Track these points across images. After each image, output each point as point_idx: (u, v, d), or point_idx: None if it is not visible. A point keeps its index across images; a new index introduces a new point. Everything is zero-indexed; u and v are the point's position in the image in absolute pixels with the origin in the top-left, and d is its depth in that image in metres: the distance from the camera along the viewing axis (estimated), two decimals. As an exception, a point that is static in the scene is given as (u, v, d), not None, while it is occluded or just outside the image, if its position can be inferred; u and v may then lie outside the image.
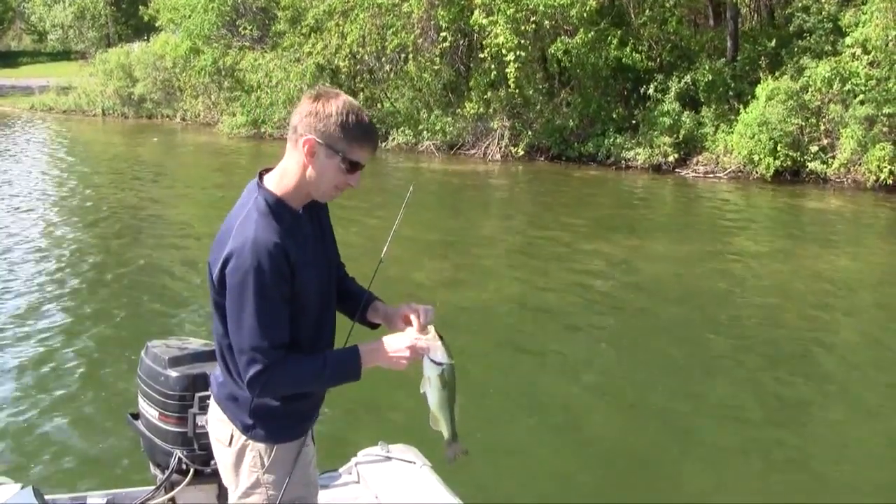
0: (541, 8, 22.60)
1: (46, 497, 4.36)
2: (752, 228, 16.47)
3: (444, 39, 25.03)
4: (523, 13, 23.02)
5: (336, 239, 3.33)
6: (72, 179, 22.80)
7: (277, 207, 2.99)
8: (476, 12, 23.69)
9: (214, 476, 4.12)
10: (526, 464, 6.96)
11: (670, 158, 21.94)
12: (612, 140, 23.00)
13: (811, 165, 19.92)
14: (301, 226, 3.05)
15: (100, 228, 16.28)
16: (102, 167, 25.25)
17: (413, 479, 4.64)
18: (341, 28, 27.27)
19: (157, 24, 38.46)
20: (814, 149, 20.00)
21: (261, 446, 3.12)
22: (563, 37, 23.75)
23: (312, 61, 27.77)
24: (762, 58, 22.22)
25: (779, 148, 19.92)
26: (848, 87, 19.26)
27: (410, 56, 26.47)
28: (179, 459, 4.20)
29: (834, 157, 19.73)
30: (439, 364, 3.06)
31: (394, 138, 26.56)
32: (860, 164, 19.29)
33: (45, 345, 9.50)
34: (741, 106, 21.27)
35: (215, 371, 3.24)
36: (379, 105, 28.07)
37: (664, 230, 16.64)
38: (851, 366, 9.40)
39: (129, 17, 56.52)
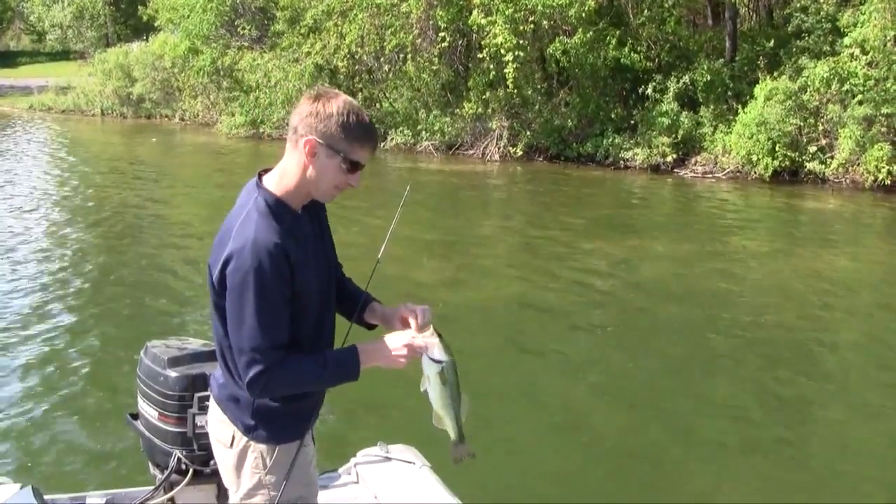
0: (539, 8, 22.60)
1: (46, 497, 4.36)
2: (750, 228, 16.48)
3: (443, 39, 25.03)
4: (522, 13, 23.02)
5: (334, 239, 3.33)
6: (72, 179, 22.79)
7: (277, 208, 2.99)
8: (475, 12, 23.69)
9: (214, 476, 4.13)
10: (526, 464, 6.97)
11: (669, 158, 21.95)
12: (610, 140, 23.01)
13: (809, 166, 19.92)
14: (301, 226, 3.05)
15: (100, 228, 16.28)
16: (102, 167, 25.24)
17: (412, 479, 4.64)
18: (340, 28, 27.26)
19: (155, 24, 38.42)
20: (812, 149, 20.01)
21: (262, 447, 3.12)
22: (561, 37, 23.75)
23: (311, 61, 27.76)
24: (761, 58, 22.21)
25: (777, 148, 19.93)
26: (846, 87, 19.26)
27: (409, 56, 26.46)
28: (179, 459, 4.21)
29: (832, 158, 19.74)
30: (438, 362, 3.06)
31: (392, 138, 26.56)
32: (858, 164, 19.30)
33: (45, 345, 9.50)
34: (740, 106, 21.28)
35: (215, 372, 3.24)
36: (377, 105, 28.06)
37: (663, 230, 16.65)
38: (851, 365, 9.42)
39: (128, 16, 56.50)
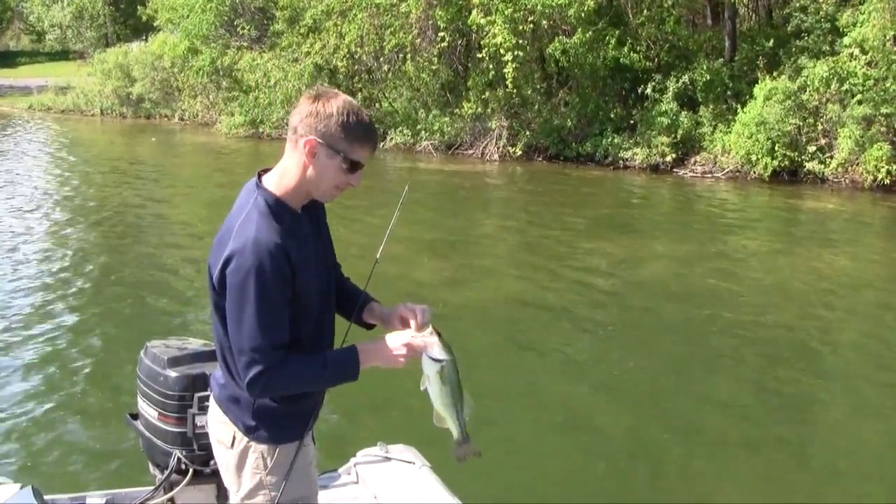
0: (539, 8, 22.61)
1: (46, 497, 4.36)
2: (750, 228, 16.48)
3: (442, 39, 25.04)
4: (521, 13, 23.02)
5: (333, 239, 3.33)
6: (72, 179, 22.79)
7: (277, 208, 2.99)
8: (474, 12, 23.69)
9: (214, 476, 4.14)
10: (527, 463, 6.96)
11: (668, 158, 21.96)
12: (609, 140, 23.01)
13: (809, 165, 19.93)
14: (301, 225, 3.06)
15: (101, 228, 16.28)
16: (102, 167, 25.22)
17: (412, 479, 4.64)
18: (339, 28, 27.27)
19: (155, 24, 38.41)
20: (811, 149, 20.01)
21: (263, 448, 3.12)
22: (561, 37, 23.74)
23: (310, 61, 27.76)
24: (760, 58, 22.21)
25: (776, 148, 19.93)
26: (846, 86, 19.27)
27: (408, 56, 26.45)
28: (179, 459, 4.21)
29: (832, 157, 19.75)
30: (438, 361, 3.05)
31: (392, 138, 26.56)
32: (858, 164, 19.30)
33: (45, 344, 9.49)
34: (739, 106, 21.28)
35: (216, 372, 3.24)
36: (377, 105, 28.07)
37: (663, 230, 16.65)
38: (852, 364, 9.42)
39: (128, 16, 56.49)
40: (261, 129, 29.81)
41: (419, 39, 26.16)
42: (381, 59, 28.08)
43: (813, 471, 7.05)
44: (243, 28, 31.91)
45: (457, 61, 27.19)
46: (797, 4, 22.37)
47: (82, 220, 17.06)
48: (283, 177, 3.04)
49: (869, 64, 19.32)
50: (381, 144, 25.77)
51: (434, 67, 26.39)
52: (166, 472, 4.25)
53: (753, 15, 26.93)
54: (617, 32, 23.64)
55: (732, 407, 8.19)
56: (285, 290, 2.92)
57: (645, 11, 24.64)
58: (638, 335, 10.33)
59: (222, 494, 4.26)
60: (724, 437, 7.59)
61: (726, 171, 21.15)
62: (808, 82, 19.69)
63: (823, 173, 19.83)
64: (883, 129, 18.98)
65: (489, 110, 24.97)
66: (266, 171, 3.12)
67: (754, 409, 8.19)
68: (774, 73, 20.91)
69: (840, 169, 19.55)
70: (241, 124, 30.46)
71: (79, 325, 10.28)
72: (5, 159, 26.82)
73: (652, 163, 22.10)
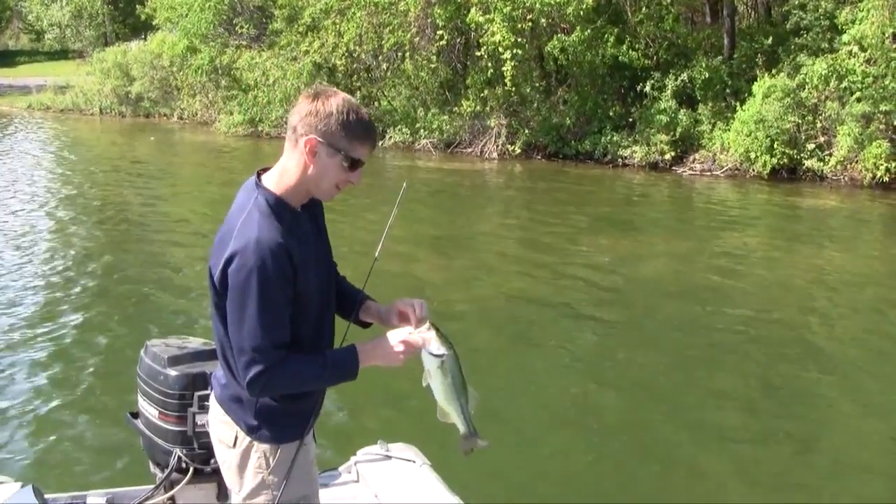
0: (537, 6, 22.61)
1: (46, 496, 4.36)
2: (749, 226, 16.48)
3: (441, 38, 25.02)
4: (520, 11, 23.02)
5: (331, 237, 3.33)
6: (74, 178, 22.78)
7: (278, 207, 2.99)
8: (472, 10, 23.69)
9: (214, 475, 4.14)
10: (528, 462, 6.94)
11: (667, 156, 21.97)
12: (608, 138, 23.02)
13: (808, 163, 19.95)
14: (301, 224, 3.05)
15: (102, 227, 16.28)
16: (103, 166, 25.20)
17: (413, 478, 4.64)
18: (338, 26, 27.27)
19: (154, 23, 38.41)
20: (810, 146, 20.03)
21: (265, 447, 3.12)
22: (559, 35, 23.74)
23: (309, 60, 27.76)
24: (759, 55, 22.24)
25: (775, 146, 19.94)
26: (845, 84, 19.27)
27: (407, 54, 26.46)
28: (179, 458, 4.21)
29: (831, 155, 19.76)
30: (438, 356, 3.04)
31: (391, 136, 26.56)
32: (857, 161, 19.32)
33: (45, 344, 9.49)
34: (738, 103, 21.30)
35: (217, 372, 3.24)
36: (376, 103, 28.05)
37: (662, 227, 16.67)
38: (854, 359, 9.43)
39: (127, 15, 56.49)
40: (260, 128, 29.81)
41: (418, 38, 26.17)
42: (380, 57, 28.09)
43: (818, 465, 7.06)
44: (242, 27, 31.91)
45: (455, 60, 27.19)
46: (796, 2, 22.39)
47: (84, 219, 17.06)
48: (283, 176, 3.03)
49: (868, 61, 19.33)
50: (380, 143, 25.76)
51: (433, 66, 26.38)
52: (167, 471, 4.25)
53: (752, 12, 26.95)
54: (616, 30, 23.65)
55: (737, 402, 8.21)
56: (287, 290, 2.92)
57: (644, 9, 24.66)
58: (640, 331, 10.34)
59: (223, 493, 4.26)
60: (730, 432, 7.58)
61: (725, 168, 21.16)
62: (807, 80, 19.69)
63: (822, 171, 19.85)
64: (882, 126, 18.98)
65: (488, 108, 24.97)
66: (265, 170, 3.12)
67: (759, 404, 8.21)
68: (773, 71, 20.92)
69: (839, 166, 19.56)
70: (240, 123, 30.47)
71: (78, 324, 10.27)
72: (8, 158, 26.82)
73: (651, 161, 22.11)
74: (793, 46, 21.58)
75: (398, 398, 7.58)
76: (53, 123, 38.28)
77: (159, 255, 13.81)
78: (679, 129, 21.99)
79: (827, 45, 20.74)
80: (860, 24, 19.23)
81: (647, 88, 22.87)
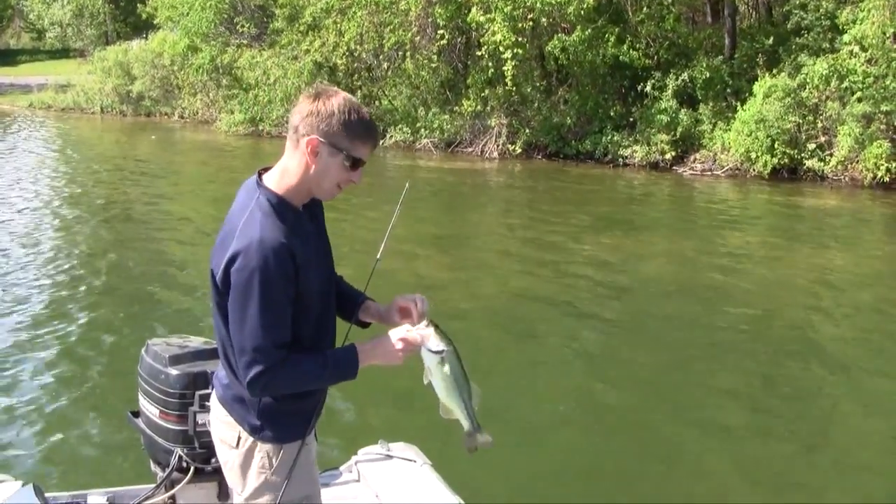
0: (538, 5, 22.62)
1: (47, 495, 4.35)
2: (750, 226, 16.48)
3: (442, 37, 25.04)
4: (521, 10, 23.04)
5: (332, 237, 3.33)
6: (75, 177, 22.81)
7: (280, 206, 2.98)
8: (473, 10, 23.70)
9: (215, 474, 4.14)
10: (530, 461, 6.94)
11: (668, 156, 21.97)
12: (609, 138, 23.02)
13: (808, 163, 19.95)
14: (303, 224, 3.05)
15: (105, 225, 16.29)
16: (105, 165, 25.22)
17: (413, 477, 4.64)
18: (339, 26, 27.28)
19: (155, 22, 38.43)
20: (811, 146, 20.03)
21: (269, 447, 3.12)
22: (560, 34, 23.76)
23: (310, 59, 27.78)
24: (760, 55, 22.24)
25: (776, 145, 19.95)
26: (845, 84, 19.28)
27: (408, 54, 26.48)
28: (180, 457, 4.20)
29: (831, 155, 19.76)
30: (437, 352, 3.03)
31: (391, 136, 26.57)
32: (857, 161, 19.32)
33: (46, 343, 9.49)
34: (739, 103, 21.30)
35: (219, 372, 3.23)
36: (377, 103, 28.07)
37: (663, 227, 16.67)
38: (854, 360, 9.43)
39: (128, 14, 56.48)
40: (260, 127, 29.83)
41: (419, 37, 26.19)
42: (381, 56, 28.11)
43: (820, 464, 7.05)
44: (243, 26, 31.93)
45: (456, 59, 27.20)
46: (797, 2, 22.38)
47: (89, 217, 17.06)
48: (284, 175, 3.03)
49: (869, 61, 19.34)
50: (381, 142, 25.78)
51: (433, 65, 26.41)
52: (167, 470, 4.24)
53: (753, 12, 26.95)
54: (616, 30, 23.66)
55: (740, 400, 8.21)
56: (289, 290, 2.92)
57: (644, 9, 24.67)
58: (642, 330, 10.35)
59: (223, 492, 4.26)
60: (733, 431, 7.58)
61: (726, 168, 21.16)
62: (808, 80, 19.69)
63: (823, 171, 19.85)
64: (883, 126, 18.99)
65: (489, 108, 24.98)
66: (266, 169, 3.12)
67: (761, 402, 8.22)
68: (774, 71, 20.93)
69: (840, 167, 19.56)
70: (240, 122, 30.49)
71: (80, 323, 10.27)
72: (12, 156, 26.86)
73: (651, 160, 22.12)
74: (794, 46, 21.59)
75: (399, 397, 7.58)
76: (55, 122, 38.29)
77: (163, 254, 13.81)
78: (680, 129, 22.00)
79: (828, 45, 20.75)
80: (861, 23, 19.24)
81: (648, 88, 22.87)
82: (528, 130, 24.45)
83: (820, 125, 20.07)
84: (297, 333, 2.99)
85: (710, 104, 22.20)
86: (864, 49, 19.31)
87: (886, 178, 18.59)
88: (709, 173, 21.39)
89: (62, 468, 6.72)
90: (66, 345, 9.49)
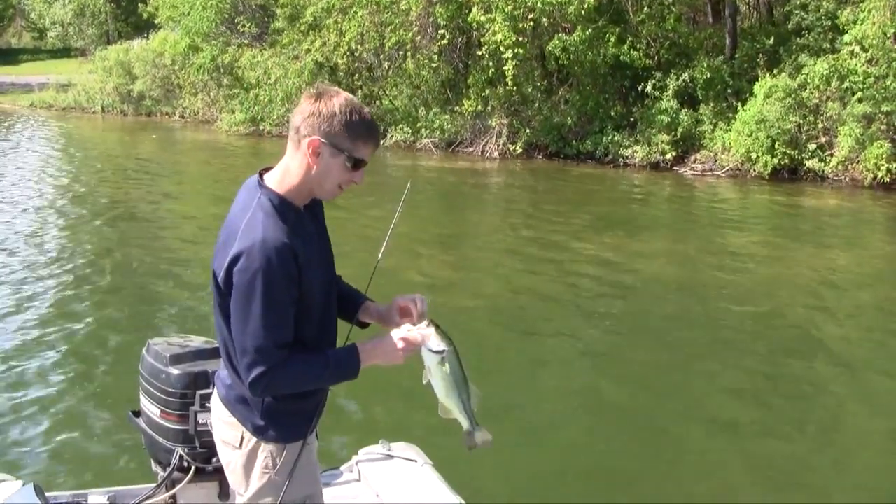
0: (539, 5, 22.61)
1: (47, 494, 4.36)
2: (751, 226, 16.49)
3: (443, 37, 25.03)
4: (521, 10, 23.04)
5: (333, 237, 3.33)
6: (79, 176, 22.81)
7: (282, 207, 2.99)
8: (474, 10, 23.70)
9: (216, 474, 4.14)
10: (530, 461, 6.93)
11: (668, 156, 21.97)
12: (610, 138, 23.02)
13: (809, 163, 19.95)
14: (305, 224, 3.06)
15: (106, 225, 16.28)
16: (107, 164, 25.27)
17: (414, 477, 4.64)
18: (340, 25, 27.27)
19: (156, 22, 38.41)
20: (812, 147, 20.03)
21: (272, 447, 3.12)
22: (561, 34, 23.76)
23: (311, 59, 27.76)
24: (760, 55, 22.25)
25: (777, 146, 19.95)
26: (846, 84, 19.29)
27: (409, 53, 26.47)
28: (181, 457, 4.20)
29: (832, 155, 19.76)
30: (438, 352, 3.04)
31: (392, 136, 26.55)
32: (858, 161, 19.32)
33: (46, 342, 9.50)
34: (739, 104, 21.30)
35: (221, 372, 3.23)
36: (377, 102, 28.06)
37: (664, 227, 16.69)
38: (857, 359, 9.45)
39: (129, 14, 56.48)
40: (261, 127, 29.81)
41: (419, 37, 26.18)
42: (382, 56, 28.11)
43: (824, 463, 7.07)
44: (244, 25, 31.90)
45: (457, 59, 27.19)
46: (798, 2, 22.38)
47: (93, 216, 17.04)
48: (286, 176, 3.03)
49: (869, 62, 19.34)
50: (382, 142, 25.74)
51: (434, 65, 26.40)
52: (168, 470, 4.24)
53: (754, 12, 26.96)
54: (617, 30, 23.66)
55: (744, 399, 8.23)
56: (292, 290, 2.92)
57: (645, 9, 24.66)
58: (645, 329, 10.35)
59: (224, 492, 4.26)
60: (737, 429, 7.60)
61: (726, 168, 21.16)
62: (809, 80, 19.70)
63: (824, 171, 19.85)
64: (883, 126, 18.99)
65: (489, 108, 24.97)
66: (267, 169, 3.12)
67: (765, 401, 8.24)
68: (775, 71, 20.93)
69: (840, 167, 19.56)
70: (241, 122, 30.46)
71: (78, 323, 10.27)
72: (15, 155, 26.87)
73: (652, 160, 22.11)
74: (794, 46, 21.59)
75: (400, 397, 7.59)
76: (56, 121, 38.28)
77: (167, 253, 13.80)
78: (680, 129, 21.99)
79: (828, 46, 20.75)
80: (861, 24, 19.24)
81: (649, 88, 22.87)
82: (528, 130, 24.45)
83: (820, 125, 20.08)
84: (299, 334, 2.99)
85: (711, 104, 22.20)
86: (864, 49, 19.30)
87: (887, 179, 18.59)
88: (709, 173, 21.39)
89: (63, 467, 6.72)
90: (68, 344, 9.50)
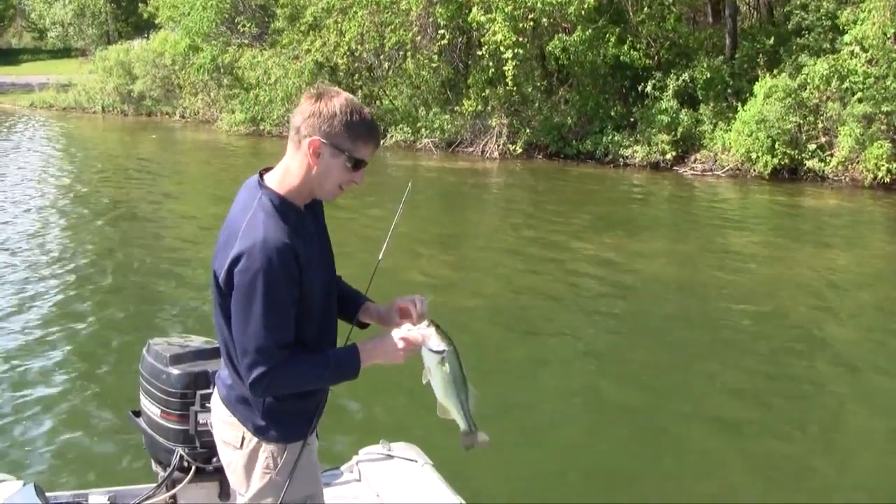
0: (539, 5, 22.62)
1: (48, 494, 4.36)
2: (751, 226, 16.50)
3: (443, 37, 25.04)
4: (521, 10, 23.04)
5: (333, 238, 3.33)
6: (80, 176, 22.82)
7: (283, 207, 2.99)
8: (474, 10, 23.70)
9: (216, 474, 4.14)
10: (531, 461, 6.93)
11: (668, 156, 21.97)
12: (610, 138, 23.02)
13: (809, 163, 19.95)
14: (305, 224, 3.06)
15: (108, 225, 16.28)
16: (108, 164, 25.26)
17: (414, 477, 4.64)
18: (340, 25, 27.27)
19: (156, 22, 38.42)
20: (812, 147, 20.03)
21: (273, 447, 3.12)
22: (561, 34, 23.76)
23: (311, 59, 27.76)
24: (760, 55, 22.25)
25: (777, 146, 19.95)
26: (846, 84, 19.29)
27: (409, 53, 26.48)
28: (181, 457, 4.20)
29: (832, 156, 19.76)
30: (438, 352, 3.05)
31: (392, 136, 26.55)
32: (858, 162, 19.32)
33: (47, 342, 9.49)
34: (739, 104, 21.30)
35: (221, 372, 3.23)
36: (377, 103, 28.06)
37: (664, 227, 16.69)
38: (856, 359, 9.45)
39: (129, 14, 56.48)
40: (261, 127, 29.82)
41: (419, 37, 26.18)
42: (382, 56, 28.11)
43: (826, 462, 7.07)
44: (244, 25, 31.91)
45: (457, 59, 27.19)
46: (798, 2, 22.38)
47: (95, 216, 17.04)
48: (286, 176, 3.03)
49: (869, 62, 19.34)
50: (382, 142, 25.71)
51: (434, 65, 26.40)
52: (168, 470, 4.25)
53: (754, 12, 26.96)
54: (617, 30, 23.66)
55: (746, 399, 8.23)
56: (293, 290, 2.92)
57: (645, 9, 24.67)
58: (646, 328, 10.36)
59: (224, 492, 4.26)
60: (741, 428, 7.61)
61: (726, 168, 21.16)
62: (809, 80, 19.71)
63: (824, 171, 19.85)
64: (883, 127, 18.99)
65: (489, 108, 24.98)
66: (267, 169, 3.12)
67: (767, 400, 8.24)
68: (775, 71, 20.93)
69: (840, 167, 19.57)
70: (241, 122, 30.47)
71: (79, 323, 10.27)
72: (17, 155, 26.89)
73: (652, 161, 22.11)
74: (794, 47, 21.60)
75: (400, 397, 7.59)
76: (57, 121, 38.28)
77: (169, 253, 13.79)
78: (680, 129, 21.99)
79: (828, 46, 20.75)
80: (861, 24, 19.24)
81: (649, 88, 22.87)
82: (528, 130, 24.45)
83: (820, 126, 20.07)
84: (300, 334, 2.99)
85: (711, 104, 22.20)
86: (864, 49, 19.31)
87: (887, 179, 18.59)
88: (709, 173, 21.39)
89: (63, 468, 6.72)
90: (69, 343, 9.50)
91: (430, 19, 25.64)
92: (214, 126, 32.61)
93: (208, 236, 12.97)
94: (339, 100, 2.96)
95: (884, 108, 18.67)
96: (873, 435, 7.62)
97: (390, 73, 28.56)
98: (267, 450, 3.12)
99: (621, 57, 23.22)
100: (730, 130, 21.11)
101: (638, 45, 23.62)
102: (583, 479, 6.74)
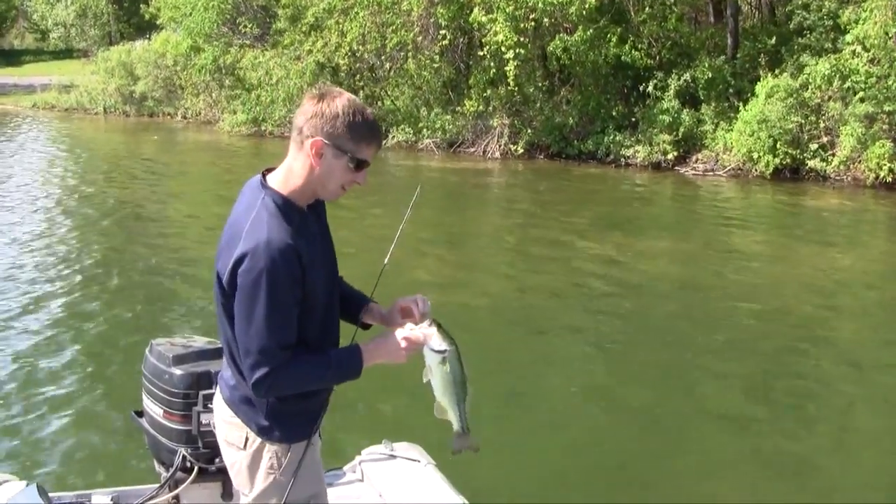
0: (540, 5, 22.60)
1: (51, 495, 4.36)
2: (753, 225, 16.49)
3: (444, 37, 25.02)
4: (522, 11, 23.02)
5: (334, 238, 3.34)
6: (85, 176, 22.85)
7: (286, 208, 2.99)
8: (475, 10, 23.70)
9: (219, 474, 4.15)
10: (533, 462, 6.94)
11: (670, 156, 21.95)
12: (611, 138, 23.00)
13: (811, 163, 19.93)
14: (308, 225, 3.06)
15: (113, 225, 16.32)
16: (111, 164, 25.29)
17: (417, 477, 4.64)
18: (341, 26, 27.26)
19: (158, 23, 38.43)
20: (813, 146, 20.01)
21: (277, 447, 3.12)
22: (562, 34, 23.76)
23: (312, 59, 27.76)
24: (762, 55, 22.23)
25: (778, 146, 19.93)
26: (848, 84, 19.27)
27: (410, 54, 26.46)
28: (184, 457, 4.21)
29: (834, 155, 19.74)
30: (440, 352, 3.05)
31: (394, 136, 26.54)
32: (860, 161, 19.30)
33: (50, 342, 9.51)
34: (741, 103, 21.27)
35: (224, 373, 3.23)
36: (379, 103, 28.04)
37: (667, 227, 16.68)
38: (861, 357, 9.47)
39: (131, 15, 56.44)
40: (263, 127, 29.81)
41: (421, 37, 26.17)
42: (383, 57, 28.07)
43: (828, 462, 7.08)
44: (245, 26, 31.91)
45: (458, 59, 27.18)
46: (799, 2, 22.38)
47: (100, 216, 17.06)
48: (289, 176, 3.03)
49: (871, 61, 19.33)
50: (383, 142, 25.67)
51: (436, 65, 26.38)
52: (171, 470, 4.25)
53: (756, 12, 26.94)
54: (618, 30, 23.65)
55: (748, 397, 8.25)
56: (296, 291, 2.92)
57: (647, 9, 24.66)
58: (650, 327, 10.36)
59: (227, 492, 4.27)
60: (742, 427, 7.62)
61: (728, 168, 21.14)
62: (811, 80, 19.69)
63: (825, 171, 19.83)
64: (885, 126, 18.98)
65: (491, 108, 24.96)
66: (270, 170, 3.12)
67: (771, 399, 8.26)
68: (776, 71, 20.90)
69: (842, 167, 19.54)
70: (243, 122, 30.46)
71: (81, 323, 10.29)
72: (21, 155, 26.93)
73: (654, 160, 22.09)
74: (796, 46, 21.58)
75: (403, 397, 7.59)
76: (59, 122, 38.31)
77: (174, 253, 13.80)
78: (682, 129, 21.97)
79: (830, 45, 20.74)
80: (863, 24, 19.22)
81: (650, 88, 22.85)
82: (530, 130, 24.44)
83: (822, 125, 20.05)
84: (302, 334, 3.00)
85: (713, 104, 22.18)
86: (866, 49, 19.29)
87: (889, 179, 18.57)
88: (711, 173, 21.38)
89: (66, 468, 6.73)
90: (75, 344, 9.53)
91: (432, 20, 25.62)
92: (216, 127, 32.59)
93: (212, 236, 12.96)
94: (342, 100, 2.96)
95: (885, 108, 18.66)
96: (879, 433, 7.63)
97: (392, 73, 28.54)
98: (271, 450, 3.12)
99: (623, 57, 23.21)
100: (731, 130, 21.09)
101: (639, 45, 23.61)
102: (585, 478, 6.74)
